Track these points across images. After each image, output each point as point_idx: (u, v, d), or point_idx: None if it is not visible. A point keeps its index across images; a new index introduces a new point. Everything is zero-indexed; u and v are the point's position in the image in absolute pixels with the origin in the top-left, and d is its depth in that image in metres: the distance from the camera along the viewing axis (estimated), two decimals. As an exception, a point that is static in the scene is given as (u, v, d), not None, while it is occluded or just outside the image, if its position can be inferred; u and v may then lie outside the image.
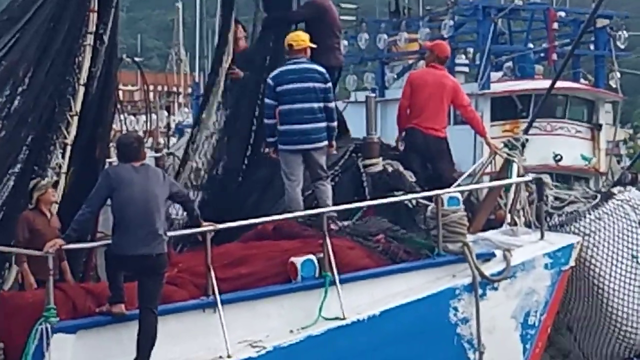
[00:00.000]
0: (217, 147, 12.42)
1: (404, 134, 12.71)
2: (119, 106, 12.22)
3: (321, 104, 11.11)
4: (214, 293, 9.15)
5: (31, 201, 10.08)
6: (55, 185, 10.42)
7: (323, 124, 11.14)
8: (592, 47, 29.59)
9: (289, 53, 11.39)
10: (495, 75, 28.04)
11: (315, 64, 11.29)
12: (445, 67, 13.13)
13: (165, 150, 17.38)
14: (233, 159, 12.49)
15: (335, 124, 11.31)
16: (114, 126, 12.20)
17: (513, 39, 31.16)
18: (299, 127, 11.06)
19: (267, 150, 11.65)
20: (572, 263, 11.49)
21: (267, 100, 11.29)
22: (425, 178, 12.30)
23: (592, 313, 11.76)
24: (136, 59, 18.83)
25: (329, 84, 11.22)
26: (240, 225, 10.11)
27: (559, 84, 16.66)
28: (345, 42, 28.15)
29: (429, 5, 34.69)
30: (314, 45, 11.51)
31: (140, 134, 13.58)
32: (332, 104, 11.23)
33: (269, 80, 11.27)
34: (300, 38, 11.39)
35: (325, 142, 11.20)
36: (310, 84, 11.09)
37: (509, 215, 11.87)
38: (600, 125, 28.14)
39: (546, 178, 12.21)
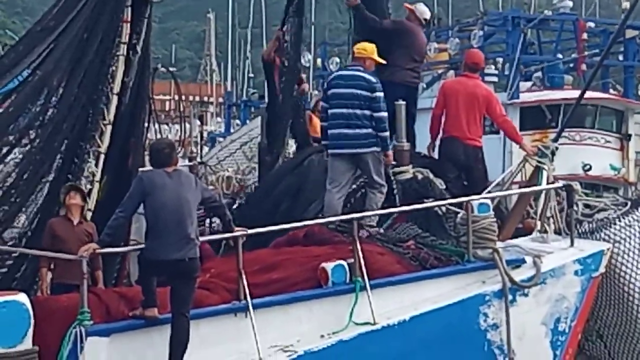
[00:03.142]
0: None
1: (439, 143, 12.81)
2: (152, 115, 12.29)
3: (366, 112, 11.19)
4: (245, 298, 9.20)
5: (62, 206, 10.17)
6: (89, 193, 10.51)
7: (367, 131, 11.22)
8: (621, 57, 29.42)
9: (352, 60, 11.70)
10: (524, 85, 27.87)
11: (366, 73, 11.37)
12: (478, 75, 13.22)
13: (198, 159, 17.48)
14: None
15: (385, 134, 11.33)
16: (147, 135, 12.27)
17: (542, 49, 30.99)
18: (341, 132, 11.26)
19: None
20: (602, 270, 11.51)
21: (321, 103, 11.70)
22: (461, 186, 12.38)
23: (623, 320, 11.73)
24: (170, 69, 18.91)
25: (377, 94, 11.24)
26: (271, 230, 10.15)
27: (588, 94, 16.54)
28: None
29: (459, 15, 34.65)
30: (381, 60, 11.64)
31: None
32: (379, 114, 11.23)
33: (326, 84, 11.55)
34: (363, 47, 11.62)
35: (372, 149, 11.27)
36: (355, 91, 11.23)
37: (539, 223, 11.89)
38: (630, 136, 27.92)
39: (576, 185, 12.20)
